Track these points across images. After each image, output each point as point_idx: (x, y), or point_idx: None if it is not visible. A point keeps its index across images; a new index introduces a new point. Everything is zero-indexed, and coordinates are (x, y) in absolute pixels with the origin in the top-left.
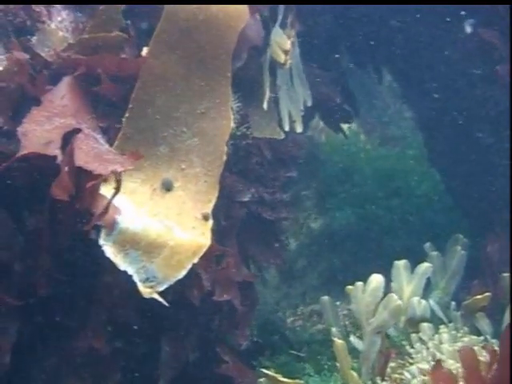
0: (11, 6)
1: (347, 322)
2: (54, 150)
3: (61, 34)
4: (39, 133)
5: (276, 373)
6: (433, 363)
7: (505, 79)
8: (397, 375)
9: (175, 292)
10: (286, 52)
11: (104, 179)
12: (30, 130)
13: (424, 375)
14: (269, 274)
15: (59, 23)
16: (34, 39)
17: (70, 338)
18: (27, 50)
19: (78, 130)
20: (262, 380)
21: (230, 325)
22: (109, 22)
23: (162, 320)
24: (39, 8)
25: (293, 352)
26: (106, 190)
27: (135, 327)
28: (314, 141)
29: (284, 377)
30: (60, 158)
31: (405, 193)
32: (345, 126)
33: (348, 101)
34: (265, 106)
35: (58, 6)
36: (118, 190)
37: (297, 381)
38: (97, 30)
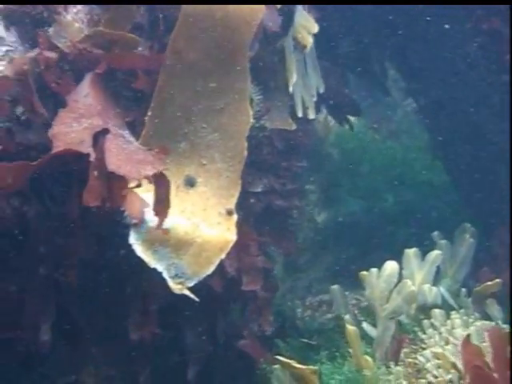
0: None
1: (356, 311)
2: (87, 148)
3: (77, 25)
4: (70, 133)
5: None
6: (449, 346)
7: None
8: (410, 359)
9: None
10: (311, 34)
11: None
12: (61, 131)
13: (438, 359)
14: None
15: (75, 15)
16: (50, 30)
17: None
18: (45, 41)
19: (105, 131)
20: (276, 366)
21: (254, 311)
22: (123, 17)
23: (186, 309)
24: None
25: (304, 340)
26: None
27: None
28: (320, 134)
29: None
30: (93, 155)
31: (410, 185)
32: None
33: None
34: (290, 89)
35: None
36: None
37: (311, 367)
38: (111, 24)
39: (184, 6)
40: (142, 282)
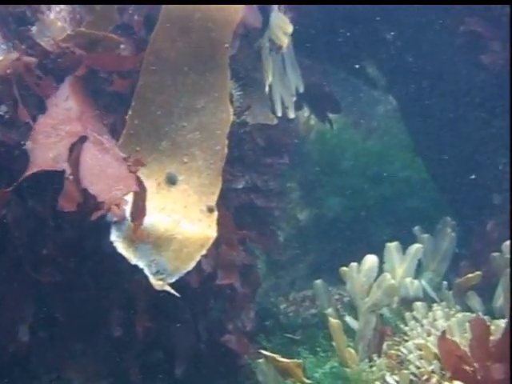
0: None
1: (339, 306)
2: (62, 164)
3: (59, 24)
4: (47, 147)
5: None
6: (431, 337)
7: (490, 68)
8: (393, 351)
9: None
10: (286, 34)
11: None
12: (38, 145)
13: (420, 350)
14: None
15: (57, 13)
16: (33, 29)
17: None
18: (27, 40)
19: (83, 138)
20: (260, 361)
21: (234, 308)
22: (105, 19)
23: (166, 307)
24: None
25: (287, 335)
26: None
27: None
28: (299, 132)
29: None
30: (68, 171)
31: (390, 183)
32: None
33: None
34: (266, 89)
35: None
36: None
37: (295, 360)
38: (94, 25)
39: (164, 6)
40: (125, 278)
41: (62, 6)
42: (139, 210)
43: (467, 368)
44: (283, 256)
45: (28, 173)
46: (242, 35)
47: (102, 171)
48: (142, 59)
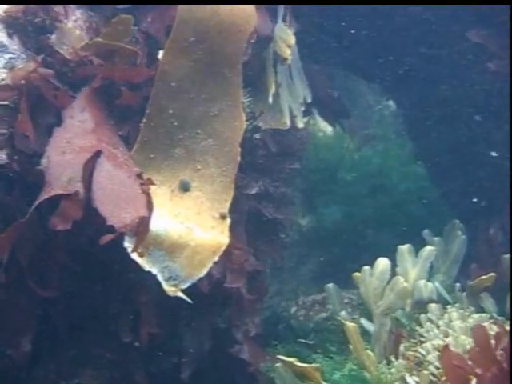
0: (31, 6)
1: (350, 310)
2: (76, 185)
3: (77, 32)
4: (61, 167)
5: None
6: (449, 338)
7: (496, 74)
8: (411, 352)
9: None
10: (290, 47)
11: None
12: (52, 163)
13: (438, 351)
14: None
15: (74, 22)
16: (52, 37)
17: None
18: (47, 48)
19: (98, 152)
20: (278, 365)
21: (240, 313)
22: (121, 31)
23: (178, 310)
24: (58, 8)
25: (301, 340)
26: None
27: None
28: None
29: None
30: (82, 193)
31: (389, 190)
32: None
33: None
34: (270, 100)
35: (72, 6)
36: None
37: (313, 365)
38: (110, 37)
39: (179, 15)
40: (134, 283)
41: (78, 15)
42: (143, 228)
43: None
44: (287, 261)
45: (43, 197)
46: (254, 42)
47: (114, 190)
48: (155, 70)
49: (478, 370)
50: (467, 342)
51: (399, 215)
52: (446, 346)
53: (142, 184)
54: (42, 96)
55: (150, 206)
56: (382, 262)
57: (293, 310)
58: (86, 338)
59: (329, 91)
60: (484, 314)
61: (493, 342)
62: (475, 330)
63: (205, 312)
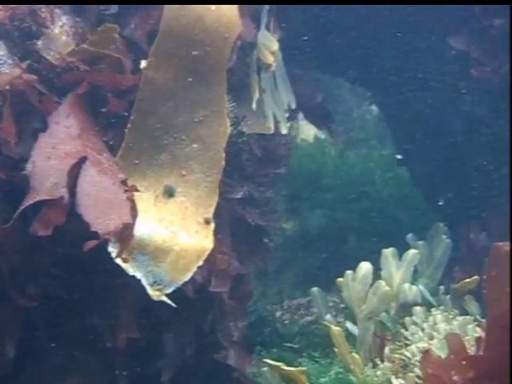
0: (18, 12)
1: (334, 313)
2: (61, 191)
3: (64, 38)
4: (46, 172)
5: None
6: (434, 340)
7: (479, 80)
8: (396, 355)
9: None
10: (273, 53)
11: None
12: (37, 168)
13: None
14: None
15: (60, 28)
16: (39, 43)
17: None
18: (33, 54)
19: (83, 158)
20: (265, 369)
21: (225, 317)
22: (107, 39)
23: (161, 315)
24: (44, 14)
25: (286, 344)
26: None
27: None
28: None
29: None
30: (66, 198)
31: (373, 195)
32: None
33: None
34: (254, 106)
35: (59, 11)
36: None
37: (300, 368)
38: (95, 45)
39: (164, 21)
40: (115, 288)
41: (65, 20)
42: (127, 234)
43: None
44: (270, 265)
45: (27, 203)
46: (238, 48)
47: (98, 197)
48: (139, 77)
49: (455, 378)
50: None
51: (383, 220)
52: (428, 351)
53: (126, 190)
54: (28, 102)
55: (134, 212)
56: (365, 267)
57: (278, 313)
58: (71, 343)
59: (313, 96)
60: (468, 317)
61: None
62: (450, 338)
63: (188, 316)
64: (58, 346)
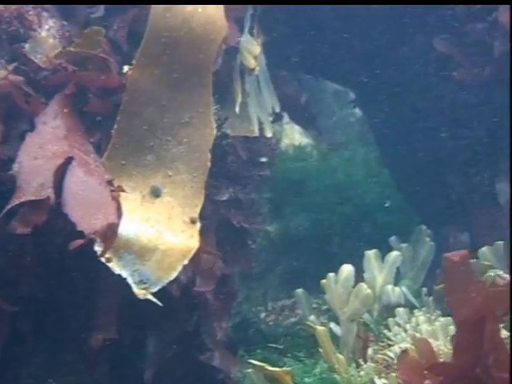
0: (5, 15)
1: (318, 315)
2: (47, 191)
3: (51, 41)
4: (33, 172)
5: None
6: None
7: (461, 83)
8: (380, 355)
9: None
10: (255, 58)
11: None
12: (24, 168)
13: None
14: None
15: (47, 31)
16: (26, 46)
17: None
18: (21, 57)
19: (70, 159)
20: (249, 371)
21: (209, 318)
22: (93, 42)
23: (146, 314)
24: (31, 17)
25: (271, 345)
26: None
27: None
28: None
29: None
30: (53, 199)
31: (356, 198)
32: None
33: None
34: (237, 109)
35: (46, 15)
36: None
37: (284, 368)
38: (82, 47)
39: (151, 23)
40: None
41: (51, 24)
42: (111, 234)
43: None
44: (255, 267)
45: (14, 203)
46: (223, 52)
47: (84, 196)
48: (125, 77)
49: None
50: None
51: (366, 222)
52: (405, 351)
53: (112, 191)
54: (15, 103)
55: (119, 212)
56: (346, 269)
57: (262, 315)
58: (56, 343)
59: (296, 98)
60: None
61: None
62: (419, 344)
63: (172, 316)
64: (44, 346)
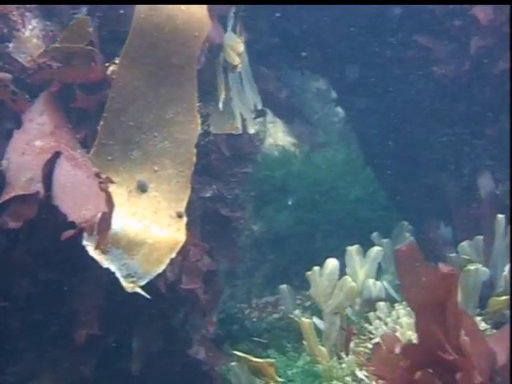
0: None
1: (301, 310)
2: (37, 185)
3: (34, 40)
4: (21, 167)
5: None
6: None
7: (442, 78)
8: (361, 348)
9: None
10: (239, 54)
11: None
12: (12, 164)
13: None
14: None
15: (31, 31)
16: (10, 46)
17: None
18: (5, 56)
19: (57, 154)
20: (233, 364)
21: (197, 313)
22: (79, 35)
23: (133, 310)
24: (15, 17)
25: (255, 339)
26: None
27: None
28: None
29: None
30: (42, 193)
31: (339, 196)
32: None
33: None
34: (220, 106)
35: (29, 15)
36: None
37: (268, 360)
38: (68, 41)
39: (135, 20)
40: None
41: (35, 24)
42: (105, 225)
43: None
44: (239, 265)
45: (4, 198)
46: (206, 49)
47: (73, 189)
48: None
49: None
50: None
51: (349, 220)
52: (377, 344)
53: (101, 182)
54: (2, 101)
55: (109, 202)
56: (331, 263)
57: (246, 311)
58: (44, 340)
59: (278, 95)
60: None
61: None
62: (384, 338)
63: (157, 311)
64: (32, 342)
